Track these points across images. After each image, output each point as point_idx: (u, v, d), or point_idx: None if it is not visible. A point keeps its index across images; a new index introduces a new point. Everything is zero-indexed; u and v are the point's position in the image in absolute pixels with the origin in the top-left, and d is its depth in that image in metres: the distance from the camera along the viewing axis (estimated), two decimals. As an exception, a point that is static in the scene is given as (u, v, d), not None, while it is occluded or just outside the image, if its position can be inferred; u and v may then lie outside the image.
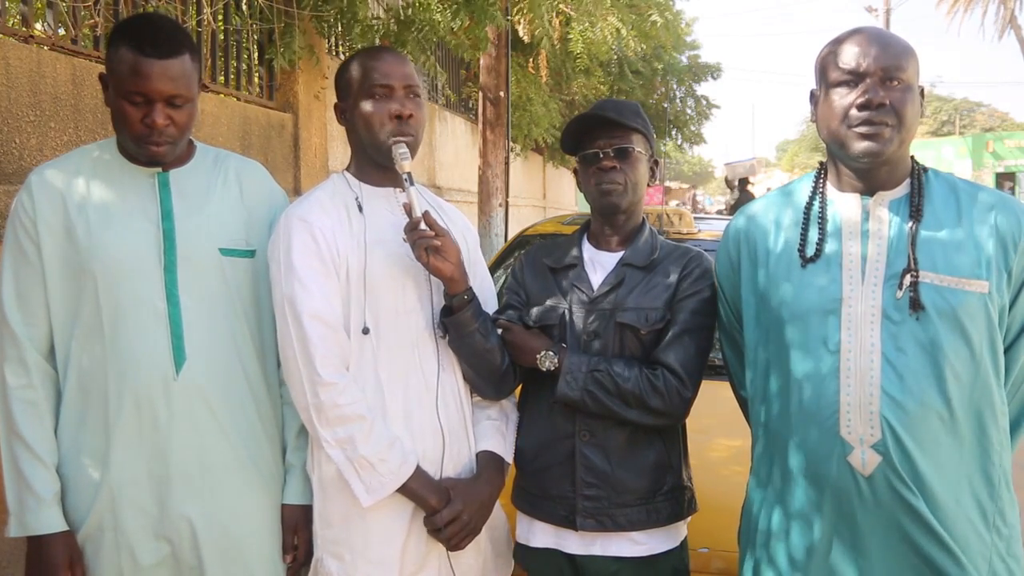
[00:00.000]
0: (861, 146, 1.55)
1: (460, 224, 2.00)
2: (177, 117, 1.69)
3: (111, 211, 1.71)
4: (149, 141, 1.68)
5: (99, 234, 1.69)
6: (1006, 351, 1.57)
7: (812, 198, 1.66)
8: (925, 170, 1.64)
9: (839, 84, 1.58)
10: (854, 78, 1.56)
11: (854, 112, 1.55)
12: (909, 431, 1.49)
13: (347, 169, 1.91)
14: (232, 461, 1.77)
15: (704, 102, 16.02)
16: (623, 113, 1.90)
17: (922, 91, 1.62)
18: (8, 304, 1.69)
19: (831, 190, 1.66)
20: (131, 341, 1.69)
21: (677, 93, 15.81)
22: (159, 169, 1.77)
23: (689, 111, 16.06)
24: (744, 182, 10.19)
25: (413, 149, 1.81)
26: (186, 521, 1.72)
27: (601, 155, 1.88)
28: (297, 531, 1.84)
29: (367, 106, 1.80)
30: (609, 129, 1.89)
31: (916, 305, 1.51)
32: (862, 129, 1.54)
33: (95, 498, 1.70)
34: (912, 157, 1.65)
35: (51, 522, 1.67)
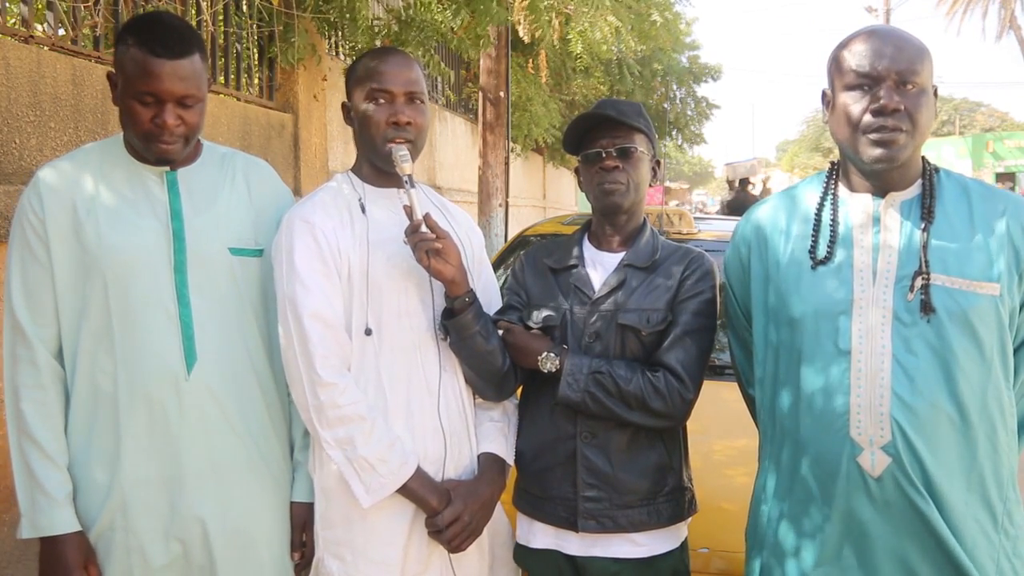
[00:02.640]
0: (875, 153, 1.53)
1: (465, 225, 1.99)
2: (187, 117, 1.69)
3: (120, 211, 1.71)
4: (160, 140, 1.67)
5: (108, 234, 1.68)
6: (1015, 352, 1.57)
7: (823, 199, 1.65)
8: (937, 170, 1.62)
9: (852, 88, 1.55)
10: (867, 82, 1.53)
11: (868, 118, 1.53)
12: (919, 433, 1.48)
13: (351, 169, 1.91)
14: (243, 460, 1.76)
15: (704, 103, 16.03)
16: (625, 112, 1.89)
17: (935, 91, 1.59)
18: (18, 304, 1.68)
19: (842, 190, 1.65)
20: (141, 341, 1.68)
21: (677, 94, 15.83)
22: (167, 168, 1.76)
23: (689, 112, 16.08)
24: (744, 182, 10.17)
25: (414, 155, 1.81)
26: (198, 521, 1.71)
27: (604, 154, 1.87)
28: (305, 529, 1.84)
29: (366, 110, 1.80)
30: (611, 128, 1.88)
31: (927, 308, 1.50)
32: (876, 136, 1.52)
33: (106, 499, 1.69)
34: (923, 157, 1.64)
35: (64, 522, 1.66)
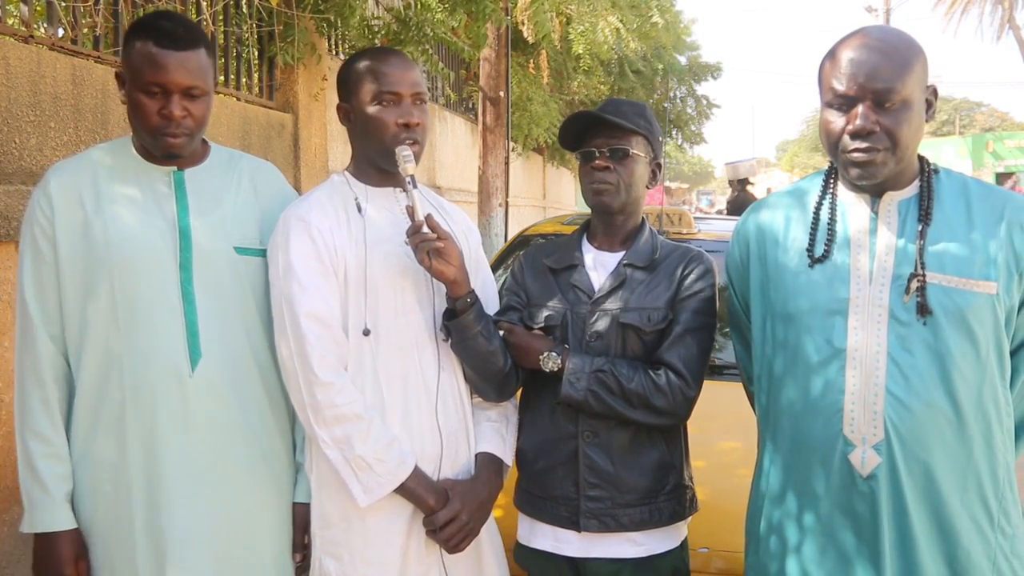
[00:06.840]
0: (854, 172, 1.55)
1: (463, 224, 1.99)
2: (194, 109, 1.71)
3: (128, 209, 1.72)
4: (166, 132, 1.69)
5: (116, 232, 1.70)
6: (1014, 354, 1.57)
7: (822, 198, 1.65)
8: (936, 170, 1.62)
9: (831, 105, 1.55)
10: (845, 101, 1.53)
11: (846, 139, 1.53)
12: (913, 432, 1.49)
13: (347, 169, 1.91)
14: (245, 459, 1.77)
15: (704, 102, 16.05)
16: (623, 114, 1.89)
17: (935, 91, 1.58)
18: (31, 301, 1.70)
19: (841, 190, 1.65)
20: (146, 338, 1.69)
21: (677, 93, 15.84)
22: (175, 168, 1.78)
23: (689, 111, 16.09)
24: (744, 182, 10.16)
25: (418, 157, 1.81)
26: (198, 519, 1.71)
27: (597, 154, 1.88)
28: (307, 529, 1.83)
29: (374, 112, 1.80)
30: (607, 129, 1.88)
31: (923, 310, 1.50)
32: (855, 156, 1.53)
33: (109, 495, 1.70)
34: (922, 157, 1.63)
35: (60, 520, 1.68)
